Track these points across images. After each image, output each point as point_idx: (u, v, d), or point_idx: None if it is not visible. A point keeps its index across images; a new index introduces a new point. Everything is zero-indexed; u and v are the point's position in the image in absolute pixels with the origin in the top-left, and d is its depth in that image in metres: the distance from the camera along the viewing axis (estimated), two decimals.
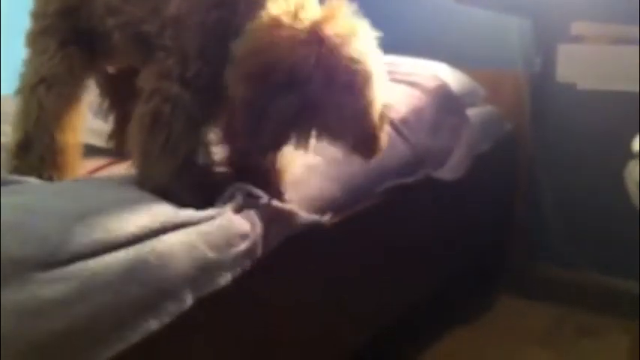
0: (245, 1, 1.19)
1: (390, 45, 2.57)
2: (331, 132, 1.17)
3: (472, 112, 2.32)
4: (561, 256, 2.58)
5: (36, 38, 1.45)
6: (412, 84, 2.13)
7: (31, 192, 1.15)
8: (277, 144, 1.17)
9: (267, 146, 1.17)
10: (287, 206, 1.29)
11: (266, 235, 1.22)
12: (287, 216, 1.28)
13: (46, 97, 1.39)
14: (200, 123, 1.24)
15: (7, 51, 2.24)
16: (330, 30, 1.10)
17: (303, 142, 1.17)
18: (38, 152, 1.37)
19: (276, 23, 1.10)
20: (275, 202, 1.27)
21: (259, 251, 1.20)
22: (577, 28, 2.01)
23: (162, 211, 1.10)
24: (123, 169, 1.37)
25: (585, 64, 1.92)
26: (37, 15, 1.46)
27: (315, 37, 1.09)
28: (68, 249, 0.93)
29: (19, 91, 1.44)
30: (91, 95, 1.63)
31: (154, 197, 1.15)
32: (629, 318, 2.17)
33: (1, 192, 1.10)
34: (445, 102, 2.16)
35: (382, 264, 1.71)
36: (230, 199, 1.22)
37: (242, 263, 1.15)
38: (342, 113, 1.12)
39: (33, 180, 1.27)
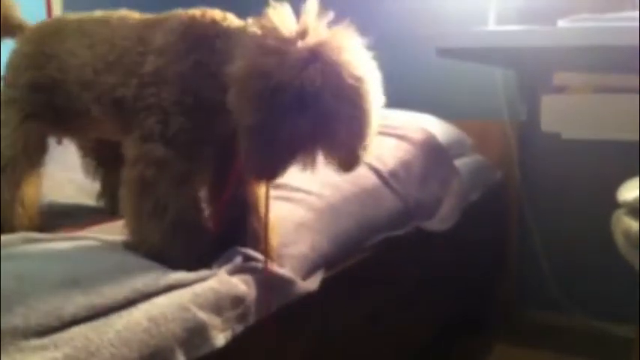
0: (221, 40, 1.20)
1: None
2: (334, 148, 1.14)
3: (461, 162, 2.36)
4: (552, 302, 2.60)
5: (2, 108, 1.43)
6: (400, 137, 2.16)
7: (22, 257, 1.15)
8: (287, 166, 1.14)
9: (277, 170, 1.14)
10: (284, 273, 1.30)
11: (261, 300, 1.22)
12: (284, 283, 1.29)
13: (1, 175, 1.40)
14: (186, 180, 1.23)
15: None
16: (327, 46, 1.08)
17: (310, 162, 1.15)
18: None
19: (276, 43, 1.08)
20: (273, 268, 1.27)
21: (253, 317, 1.20)
22: (559, 78, 2.06)
23: (156, 274, 1.11)
24: (115, 227, 1.39)
25: (568, 114, 1.96)
26: (7, 84, 1.46)
27: (318, 54, 1.07)
28: (62, 314, 0.94)
29: None
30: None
31: (147, 260, 1.16)
32: None
33: None
34: (433, 153, 2.20)
35: (372, 316, 1.71)
36: (227, 261, 1.23)
37: (234, 327, 1.15)
38: (350, 129, 1.10)
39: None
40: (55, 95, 1.41)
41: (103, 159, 1.63)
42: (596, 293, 2.51)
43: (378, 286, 1.73)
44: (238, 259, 1.24)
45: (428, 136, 2.24)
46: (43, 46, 1.43)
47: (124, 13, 1.40)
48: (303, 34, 1.08)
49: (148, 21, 1.32)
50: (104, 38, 1.33)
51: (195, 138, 1.22)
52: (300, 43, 1.07)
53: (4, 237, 1.29)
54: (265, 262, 1.26)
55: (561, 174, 2.57)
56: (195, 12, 1.26)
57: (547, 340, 2.50)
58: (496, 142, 2.66)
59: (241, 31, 1.18)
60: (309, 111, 1.06)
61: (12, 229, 1.37)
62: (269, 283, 1.25)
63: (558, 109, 2.00)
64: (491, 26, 2.41)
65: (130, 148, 1.24)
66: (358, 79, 1.09)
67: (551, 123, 2.06)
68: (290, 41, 1.07)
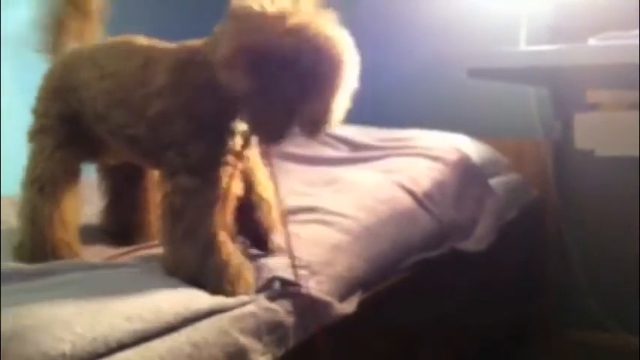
0: (205, 54, 1.27)
1: (411, 119, 2.65)
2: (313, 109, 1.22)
3: (496, 182, 2.36)
4: (592, 320, 2.57)
5: (35, 136, 1.50)
6: (434, 158, 2.17)
7: (69, 283, 1.19)
8: (289, 125, 1.23)
9: (283, 129, 1.23)
10: (322, 296, 1.32)
11: (299, 324, 1.25)
12: (322, 307, 1.31)
13: (38, 196, 1.45)
14: (211, 203, 1.28)
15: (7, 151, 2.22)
16: (304, 24, 1.17)
17: (308, 125, 1.24)
18: (30, 250, 1.43)
19: (257, 24, 1.17)
20: (312, 292, 1.30)
21: (292, 340, 1.22)
22: (592, 96, 2.06)
23: (197, 299, 1.14)
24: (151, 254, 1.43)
25: (602, 131, 1.96)
26: (38, 114, 1.52)
27: (295, 30, 1.16)
28: (108, 341, 0.97)
29: (21, 187, 1.49)
30: None
31: (187, 285, 1.20)
32: None
33: (33, 287, 1.16)
34: (468, 173, 2.20)
35: (409, 338, 1.72)
36: (266, 285, 1.26)
37: (274, 351, 1.18)
38: (325, 91, 1.19)
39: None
40: (79, 125, 1.48)
41: (114, 183, 1.69)
42: (636, 311, 2.47)
43: (414, 308, 1.73)
44: (277, 285, 1.27)
45: (462, 157, 2.25)
46: (64, 79, 1.50)
47: (127, 39, 1.45)
48: (281, 15, 1.17)
49: (148, 59, 1.37)
50: (111, 72, 1.40)
51: (212, 160, 1.30)
52: (279, 22, 1.16)
53: (51, 264, 1.34)
54: (301, 287, 1.29)
55: (597, 191, 2.55)
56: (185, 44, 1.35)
57: (589, 358, 2.47)
58: (530, 161, 2.65)
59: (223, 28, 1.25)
60: (293, 69, 1.16)
61: (52, 248, 1.43)
62: (307, 307, 1.28)
63: (592, 127, 2.00)
64: (522, 46, 2.41)
65: (162, 183, 1.32)
66: (335, 47, 1.18)
67: (585, 140, 2.06)
68: (270, 20, 1.16)
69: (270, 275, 1.29)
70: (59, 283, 1.19)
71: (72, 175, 1.50)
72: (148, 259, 1.41)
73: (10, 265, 1.36)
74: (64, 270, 1.30)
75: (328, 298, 1.33)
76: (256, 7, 1.18)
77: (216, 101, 1.27)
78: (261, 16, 1.17)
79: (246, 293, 1.22)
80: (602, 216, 2.54)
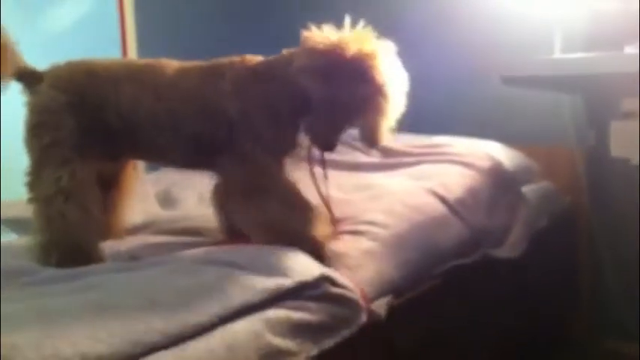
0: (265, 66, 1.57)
1: (444, 125, 2.65)
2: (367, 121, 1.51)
3: (528, 189, 2.35)
4: (628, 331, 2.53)
5: (49, 150, 1.52)
6: (466, 164, 2.17)
7: (106, 285, 1.21)
8: (341, 133, 1.50)
9: (336, 137, 1.50)
10: (356, 297, 1.35)
11: (335, 327, 1.27)
12: (355, 308, 1.34)
13: (65, 207, 1.48)
14: (284, 179, 1.56)
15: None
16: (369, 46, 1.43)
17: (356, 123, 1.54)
18: (58, 258, 1.46)
19: (325, 47, 1.42)
20: (352, 294, 1.34)
21: (327, 341, 1.24)
22: (628, 103, 2.04)
23: (232, 296, 1.16)
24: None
25: (638, 140, 1.94)
26: (48, 127, 1.53)
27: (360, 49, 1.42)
28: (144, 341, 0.98)
29: (33, 201, 1.53)
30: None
31: (224, 280, 1.21)
32: None
33: (77, 287, 1.18)
34: (500, 181, 2.19)
35: (442, 346, 1.72)
36: (314, 287, 1.30)
37: (309, 351, 1.19)
38: (379, 107, 1.45)
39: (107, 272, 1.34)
40: (113, 139, 1.56)
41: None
42: None
43: (446, 314, 1.73)
44: (325, 286, 1.31)
45: (494, 163, 2.24)
46: (83, 95, 1.55)
47: (165, 61, 1.60)
48: (343, 42, 1.42)
49: (208, 70, 1.58)
50: (171, 88, 1.55)
51: (283, 146, 1.57)
52: (341, 48, 1.41)
53: (90, 267, 1.36)
54: (347, 288, 1.35)
55: (631, 200, 2.52)
56: (236, 58, 1.58)
57: None
58: (564, 169, 2.63)
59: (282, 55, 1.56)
60: (355, 88, 1.42)
61: (82, 253, 1.47)
62: (342, 309, 1.29)
63: (628, 135, 1.98)
64: (557, 54, 2.40)
65: (226, 166, 1.54)
66: (389, 71, 1.45)
67: (621, 148, 2.04)
68: (334, 46, 1.41)
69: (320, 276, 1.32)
70: (89, 286, 1.21)
71: (94, 183, 1.56)
72: (175, 256, 1.45)
73: (38, 269, 1.39)
74: (93, 273, 1.33)
75: (360, 300, 1.35)
76: (325, 34, 1.43)
77: (288, 102, 1.51)
78: (330, 40, 1.42)
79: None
80: (635, 224, 2.51)
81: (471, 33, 2.79)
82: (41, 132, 1.53)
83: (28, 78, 1.57)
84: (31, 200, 1.53)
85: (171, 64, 1.59)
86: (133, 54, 2.66)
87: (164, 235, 1.74)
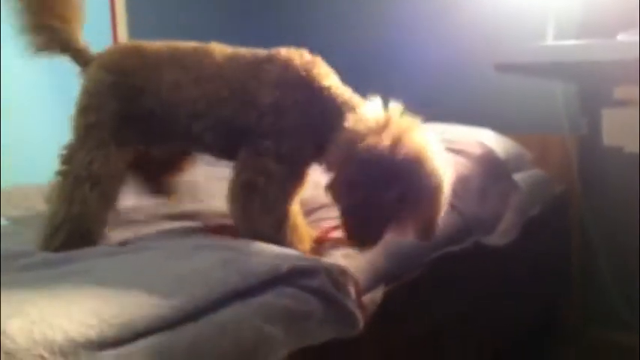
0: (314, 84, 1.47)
1: (436, 113, 2.64)
2: (416, 218, 1.39)
3: (520, 177, 2.35)
4: (618, 319, 2.55)
5: (91, 131, 1.51)
6: (458, 151, 2.16)
7: (100, 270, 1.20)
8: (384, 232, 1.37)
9: (377, 238, 1.38)
10: (349, 288, 1.33)
11: (328, 315, 1.26)
12: (348, 299, 1.32)
13: (90, 195, 1.47)
14: (291, 190, 1.49)
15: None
16: (410, 140, 1.32)
17: (401, 230, 1.40)
18: (63, 239, 1.45)
19: (365, 131, 1.32)
20: (354, 292, 1.33)
21: (319, 331, 1.24)
22: (620, 92, 2.04)
23: (226, 281, 1.15)
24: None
25: (631, 127, 1.94)
26: (92, 107, 1.52)
27: (399, 142, 1.30)
28: (136, 326, 0.98)
29: (60, 175, 1.51)
30: None
31: (219, 265, 1.20)
32: None
33: (70, 271, 1.17)
34: (492, 168, 2.19)
35: (432, 332, 1.72)
36: (310, 275, 1.28)
37: (300, 341, 1.18)
38: (429, 202, 1.36)
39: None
40: (150, 124, 1.53)
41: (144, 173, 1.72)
42: None
43: (437, 301, 1.73)
44: (328, 285, 1.29)
45: (486, 151, 2.24)
46: (128, 77, 1.53)
47: (215, 46, 1.55)
48: (386, 124, 1.33)
49: (256, 59, 1.52)
50: (212, 74, 1.51)
51: (303, 155, 1.49)
52: (384, 132, 1.31)
53: (86, 250, 1.36)
54: (351, 276, 1.35)
55: (623, 188, 2.52)
56: (294, 52, 1.51)
57: (614, 358, 2.45)
58: (556, 156, 2.64)
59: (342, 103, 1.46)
60: (394, 185, 1.31)
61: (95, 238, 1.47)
62: (336, 300, 1.29)
63: (621, 123, 1.98)
64: (550, 41, 2.39)
65: (244, 159, 1.48)
66: (436, 170, 1.35)
67: (614, 137, 2.04)
68: (375, 130, 1.32)
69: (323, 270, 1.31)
70: (83, 270, 1.21)
71: (124, 172, 1.56)
72: (169, 240, 1.45)
73: (35, 252, 1.38)
74: (87, 256, 1.32)
75: (352, 292, 1.34)
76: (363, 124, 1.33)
77: (320, 121, 1.45)
78: (379, 142, 1.29)
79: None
80: (628, 213, 2.52)
81: (464, 20, 2.78)
82: (87, 112, 1.53)
83: (81, 58, 1.58)
84: (59, 174, 1.51)
85: (222, 50, 1.54)
86: (123, 36, 2.64)
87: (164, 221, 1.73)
